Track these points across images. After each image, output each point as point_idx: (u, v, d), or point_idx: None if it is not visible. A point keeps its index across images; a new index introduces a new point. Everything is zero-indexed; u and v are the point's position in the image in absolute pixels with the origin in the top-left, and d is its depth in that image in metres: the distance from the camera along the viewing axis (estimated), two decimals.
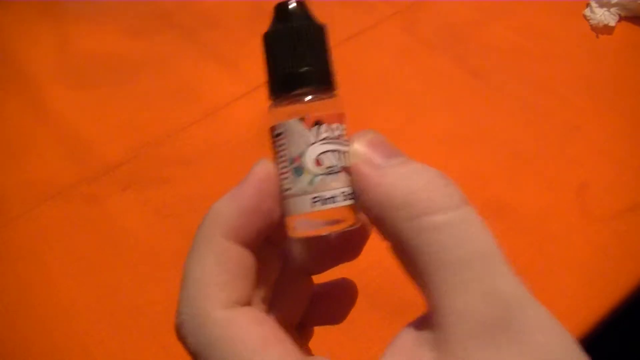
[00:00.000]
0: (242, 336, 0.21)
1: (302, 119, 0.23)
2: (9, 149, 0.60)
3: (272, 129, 0.24)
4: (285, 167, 0.23)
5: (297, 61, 0.24)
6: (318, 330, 0.48)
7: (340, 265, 0.51)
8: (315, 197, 0.22)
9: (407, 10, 0.74)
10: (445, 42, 0.70)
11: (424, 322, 0.21)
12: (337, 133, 0.23)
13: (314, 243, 0.26)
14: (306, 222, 0.23)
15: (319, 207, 0.22)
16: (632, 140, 0.60)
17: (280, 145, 0.23)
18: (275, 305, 0.25)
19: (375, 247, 0.56)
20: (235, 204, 0.22)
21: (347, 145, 0.23)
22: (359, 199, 0.22)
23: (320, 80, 0.24)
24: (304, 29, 0.24)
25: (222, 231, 0.22)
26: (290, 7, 0.25)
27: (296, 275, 0.26)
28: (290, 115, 0.23)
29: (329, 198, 0.22)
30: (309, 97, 0.23)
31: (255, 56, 0.76)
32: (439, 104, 0.64)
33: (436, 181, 0.22)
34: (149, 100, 0.65)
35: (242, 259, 0.22)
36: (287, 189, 0.23)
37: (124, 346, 0.46)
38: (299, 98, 0.23)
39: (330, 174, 0.23)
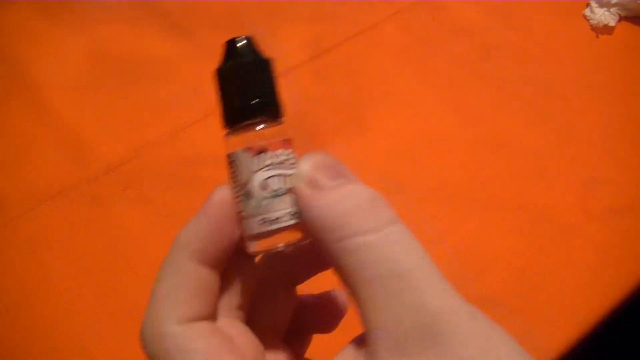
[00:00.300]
0: (191, 349, 0.23)
1: (247, 149, 0.25)
2: (9, 149, 0.60)
3: (227, 157, 0.26)
4: (238, 192, 0.25)
5: (243, 95, 0.26)
6: None
7: None
8: (262, 219, 0.25)
9: (407, 10, 0.74)
10: (446, 42, 0.70)
11: (363, 338, 0.23)
12: (282, 158, 0.26)
13: (276, 257, 0.28)
14: (256, 241, 0.25)
15: (267, 227, 0.25)
16: (632, 140, 0.60)
17: (233, 172, 0.26)
18: (255, 314, 0.27)
19: None
20: (195, 229, 0.25)
21: (294, 168, 0.25)
22: (301, 218, 0.25)
23: (265, 111, 0.27)
24: (248, 64, 0.27)
25: (184, 255, 0.24)
26: (238, 44, 0.27)
27: (275, 286, 0.28)
28: (239, 145, 0.26)
29: (274, 219, 0.25)
30: (256, 127, 0.26)
31: None
32: (438, 104, 0.64)
33: (365, 204, 0.23)
34: (149, 100, 0.65)
35: (202, 279, 0.24)
36: (240, 212, 0.25)
37: (124, 346, 0.46)
38: (246, 128, 0.26)
39: (275, 196, 0.25)
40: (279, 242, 0.25)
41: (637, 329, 0.63)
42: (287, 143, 0.26)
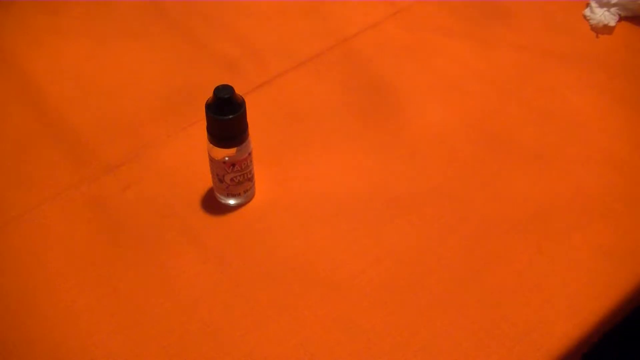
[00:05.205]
0: None
1: (224, 161, 0.50)
2: (9, 149, 0.60)
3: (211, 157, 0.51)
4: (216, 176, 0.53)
5: (227, 134, 0.49)
6: (317, 329, 0.48)
7: (340, 264, 0.51)
8: (227, 193, 0.54)
9: (407, 10, 0.74)
10: (445, 42, 0.70)
11: None
12: (244, 167, 0.51)
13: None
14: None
15: (228, 200, 0.54)
16: (632, 140, 0.60)
17: (214, 167, 0.52)
18: None
19: (374, 246, 0.56)
20: None
21: (250, 173, 0.53)
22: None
23: (237, 141, 0.49)
24: (230, 120, 0.48)
25: None
26: (225, 97, 0.47)
27: None
28: (220, 155, 0.50)
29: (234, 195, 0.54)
30: (231, 149, 0.50)
31: (255, 57, 0.76)
32: (439, 103, 0.64)
33: None
34: (149, 101, 0.65)
35: None
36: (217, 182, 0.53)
37: (124, 346, 0.46)
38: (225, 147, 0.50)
39: (237, 184, 0.52)
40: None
41: (637, 331, 0.63)
42: (248, 156, 0.51)
